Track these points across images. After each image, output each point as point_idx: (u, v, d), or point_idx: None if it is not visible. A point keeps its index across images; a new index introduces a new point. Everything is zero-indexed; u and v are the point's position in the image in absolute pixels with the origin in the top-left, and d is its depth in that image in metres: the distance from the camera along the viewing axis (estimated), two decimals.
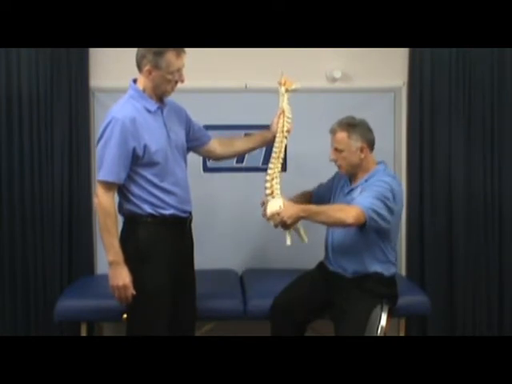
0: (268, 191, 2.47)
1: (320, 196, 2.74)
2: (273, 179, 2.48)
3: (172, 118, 2.39)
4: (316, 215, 2.39)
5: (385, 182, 2.43)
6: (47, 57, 3.09)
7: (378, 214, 2.36)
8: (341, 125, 2.51)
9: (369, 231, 2.42)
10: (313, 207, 2.47)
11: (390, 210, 2.40)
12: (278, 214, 2.41)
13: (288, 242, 2.48)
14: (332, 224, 2.48)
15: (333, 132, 2.53)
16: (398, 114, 3.31)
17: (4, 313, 3.16)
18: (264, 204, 2.48)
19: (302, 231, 2.51)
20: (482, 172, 3.28)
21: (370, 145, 2.53)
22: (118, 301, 2.29)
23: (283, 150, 2.53)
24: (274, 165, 2.49)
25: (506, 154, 3.28)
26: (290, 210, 2.41)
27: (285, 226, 2.42)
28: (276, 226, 2.45)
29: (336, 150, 2.52)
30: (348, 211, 2.35)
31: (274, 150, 2.52)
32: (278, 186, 2.48)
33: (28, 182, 3.13)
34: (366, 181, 2.50)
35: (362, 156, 2.50)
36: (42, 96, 3.11)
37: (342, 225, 2.39)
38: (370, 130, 2.54)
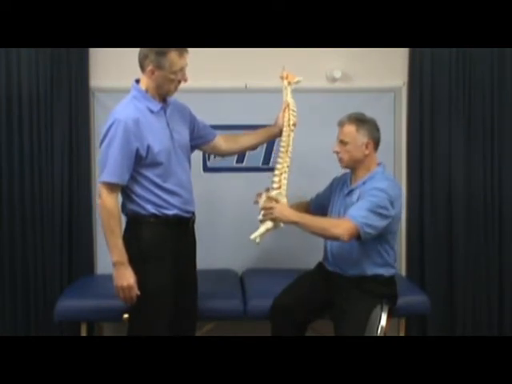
0: (276, 185, 2.47)
1: (318, 205, 2.74)
2: (281, 174, 2.47)
3: (175, 117, 2.38)
4: (310, 226, 2.41)
5: (381, 190, 2.40)
6: (47, 57, 3.09)
7: (373, 227, 2.36)
8: (350, 118, 2.51)
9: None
10: (308, 217, 2.46)
11: (387, 218, 2.39)
12: (277, 201, 2.41)
13: (253, 235, 2.43)
14: (326, 238, 2.51)
15: (341, 124, 2.52)
16: (398, 114, 3.31)
17: (4, 313, 3.16)
18: (267, 190, 2.47)
19: (265, 231, 2.44)
20: (481, 172, 3.28)
21: (376, 143, 2.53)
22: (123, 301, 2.29)
23: (291, 143, 2.51)
24: (283, 159, 2.48)
25: (506, 154, 3.28)
26: (286, 209, 2.43)
27: (267, 215, 2.41)
28: (261, 208, 2.44)
29: (341, 142, 2.50)
30: (343, 228, 2.34)
31: (282, 144, 2.51)
32: (286, 182, 2.47)
33: (28, 182, 3.13)
34: (364, 183, 2.49)
35: (366, 152, 2.49)
36: (42, 96, 3.11)
37: (337, 240, 2.40)
38: (377, 129, 2.54)
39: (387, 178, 2.52)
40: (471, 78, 3.25)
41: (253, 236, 2.43)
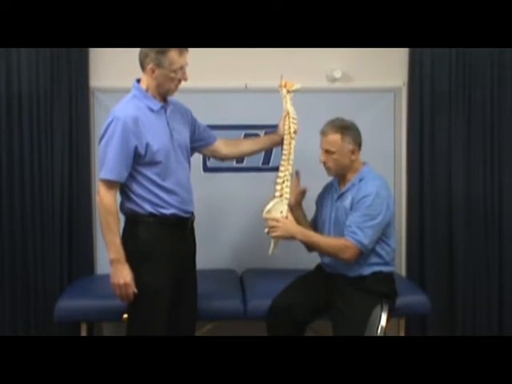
0: (277, 193, 2.48)
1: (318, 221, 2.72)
2: (283, 182, 2.48)
3: (176, 117, 2.39)
4: (313, 245, 2.47)
5: (375, 194, 2.42)
6: (47, 57, 3.09)
7: (374, 240, 2.43)
8: (333, 127, 2.50)
9: None
10: (312, 236, 2.49)
11: (383, 222, 2.43)
12: (277, 220, 2.43)
13: (270, 251, 2.50)
14: (329, 257, 2.52)
15: (324, 134, 2.52)
16: (398, 114, 3.31)
17: (4, 313, 3.16)
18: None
19: (276, 244, 2.51)
20: (481, 172, 3.28)
21: (359, 147, 2.54)
22: (120, 299, 2.29)
23: (292, 151, 2.51)
24: (285, 167, 2.49)
25: (506, 154, 3.28)
26: (289, 226, 2.45)
27: (272, 233, 2.45)
28: (266, 227, 2.47)
29: (327, 151, 2.50)
30: (350, 254, 2.40)
31: (284, 152, 2.51)
32: (288, 190, 2.48)
33: (28, 181, 3.13)
34: (354, 185, 2.50)
35: (353, 158, 2.50)
36: (41, 96, 3.11)
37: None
38: (359, 133, 2.54)
39: (376, 177, 2.52)
40: (471, 77, 3.25)
41: (270, 252, 2.50)
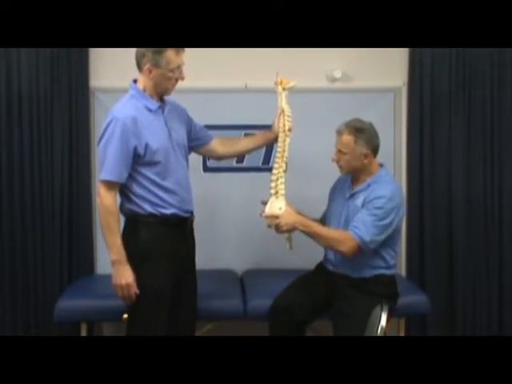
0: (272, 191, 2.48)
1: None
2: (277, 179, 2.49)
3: (173, 117, 2.39)
4: (314, 235, 2.46)
5: (388, 198, 2.40)
6: (47, 57, 3.09)
7: (377, 242, 2.41)
8: (349, 127, 2.47)
9: None
10: (313, 226, 2.47)
11: (391, 226, 2.42)
12: (277, 216, 2.43)
13: (288, 246, 2.56)
14: (329, 249, 2.54)
15: (339, 133, 2.49)
16: (398, 114, 3.31)
17: (4, 313, 3.16)
18: (265, 203, 2.49)
19: (291, 238, 2.55)
20: (481, 172, 3.28)
21: (375, 151, 2.50)
22: (122, 300, 2.29)
23: (287, 149, 2.52)
24: (279, 164, 2.49)
25: (506, 153, 3.28)
26: (289, 217, 2.44)
27: (278, 230, 2.46)
28: (269, 226, 2.47)
29: (340, 151, 2.49)
30: (349, 246, 2.39)
31: (278, 149, 2.52)
32: (283, 186, 2.48)
33: (28, 182, 3.13)
34: (368, 185, 2.48)
35: (366, 162, 2.47)
36: (41, 96, 3.11)
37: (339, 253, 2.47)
38: (376, 136, 2.50)
39: (391, 181, 2.52)
40: (471, 77, 3.25)
41: (287, 248, 2.57)
